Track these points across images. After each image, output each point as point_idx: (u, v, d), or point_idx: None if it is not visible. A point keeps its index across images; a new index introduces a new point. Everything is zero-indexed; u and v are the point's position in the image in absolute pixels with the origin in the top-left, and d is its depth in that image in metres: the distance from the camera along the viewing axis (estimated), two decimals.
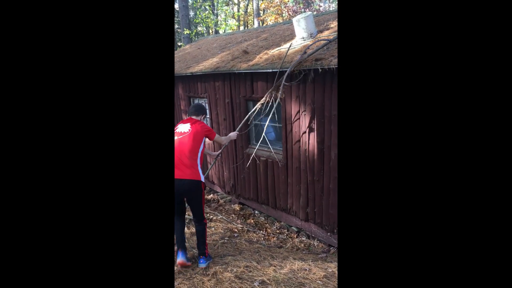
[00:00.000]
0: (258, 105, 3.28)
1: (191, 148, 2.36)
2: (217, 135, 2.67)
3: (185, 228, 2.74)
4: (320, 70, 2.84)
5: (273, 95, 3.09)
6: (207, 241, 2.55)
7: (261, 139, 3.45)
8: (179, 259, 2.34)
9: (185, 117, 2.59)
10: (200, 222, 2.49)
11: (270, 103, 3.14)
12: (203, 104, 2.62)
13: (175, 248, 2.41)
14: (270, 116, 3.36)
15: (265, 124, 3.44)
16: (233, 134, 3.06)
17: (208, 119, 4.71)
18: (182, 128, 2.45)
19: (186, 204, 2.53)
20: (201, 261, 2.43)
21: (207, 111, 4.72)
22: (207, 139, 2.60)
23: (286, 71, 2.99)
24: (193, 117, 2.57)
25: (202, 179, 2.43)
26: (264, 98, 3.19)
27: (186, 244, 2.54)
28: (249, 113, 3.62)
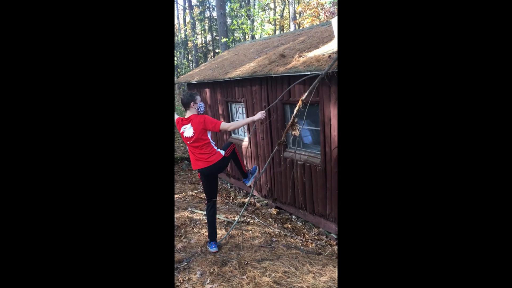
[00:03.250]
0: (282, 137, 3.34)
1: (202, 146, 2.61)
2: (223, 124, 2.53)
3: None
4: None
5: (291, 128, 3.13)
6: (242, 162, 3.07)
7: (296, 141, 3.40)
8: (213, 249, 2.78)
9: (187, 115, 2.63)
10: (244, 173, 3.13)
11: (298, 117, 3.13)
12: (194, 94, 2.62)
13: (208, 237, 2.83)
14: (304, 119, 3.30)
15: (302, 128, 3.39)
16: (257, 115, 2.64)
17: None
18: (187, 133, 2.59)
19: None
20: (246, 181, 3.08)
21: (244, 115, 4.78)
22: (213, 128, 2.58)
23: (319, 74, 2.92)
24: (189, 110, 2.61)
25: (222, 153, 2.71)
26: (283, 138, 3.30)
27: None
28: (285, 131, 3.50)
